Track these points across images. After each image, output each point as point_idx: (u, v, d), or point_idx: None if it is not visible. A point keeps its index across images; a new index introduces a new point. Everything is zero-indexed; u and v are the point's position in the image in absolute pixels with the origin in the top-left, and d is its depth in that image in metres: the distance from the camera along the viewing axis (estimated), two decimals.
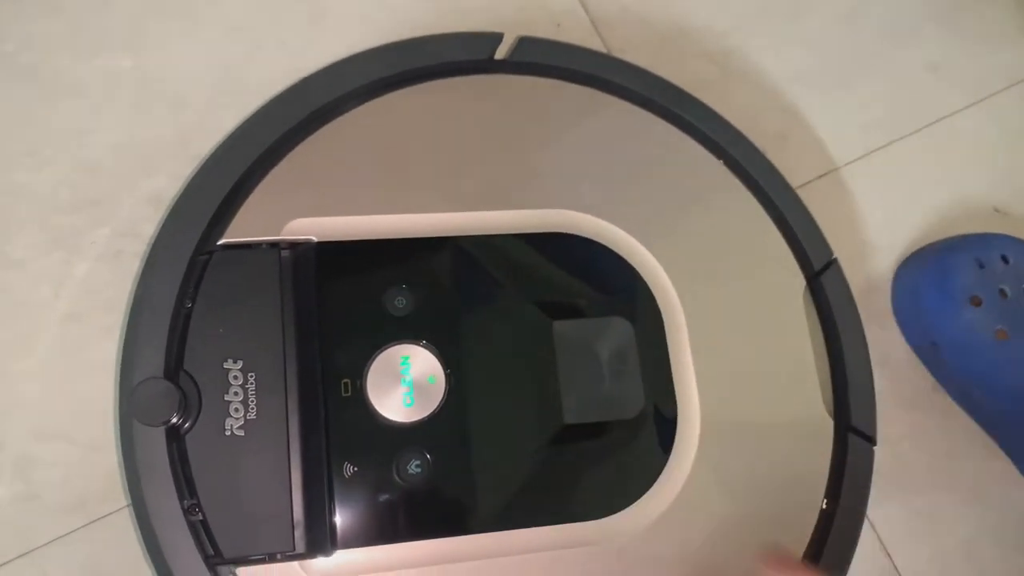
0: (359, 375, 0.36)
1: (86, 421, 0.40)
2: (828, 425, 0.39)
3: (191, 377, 0.34)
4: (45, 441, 0.42)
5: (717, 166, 0.42)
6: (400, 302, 0.37)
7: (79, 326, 0.41)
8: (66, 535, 0.41)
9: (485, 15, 0.50)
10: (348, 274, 0.37)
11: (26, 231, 0.43)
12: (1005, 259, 0.47)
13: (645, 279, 0.40)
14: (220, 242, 0.36)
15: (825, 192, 0.54)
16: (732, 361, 0.39)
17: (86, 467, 0.40)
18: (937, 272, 0.47)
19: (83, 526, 0.41)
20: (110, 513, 0.40)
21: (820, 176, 0.54)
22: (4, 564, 0.40)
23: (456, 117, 0.40)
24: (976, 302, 0.45)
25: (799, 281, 0.41)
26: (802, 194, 0.47)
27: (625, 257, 0.40)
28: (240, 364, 0.35)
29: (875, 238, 0.54)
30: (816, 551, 0.38)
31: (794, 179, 0.53)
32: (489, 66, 0.41)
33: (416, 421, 0.36)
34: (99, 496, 0.40)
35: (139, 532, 0.34)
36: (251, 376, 0.35)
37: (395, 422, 0.36)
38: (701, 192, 0.41)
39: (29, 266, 0.42)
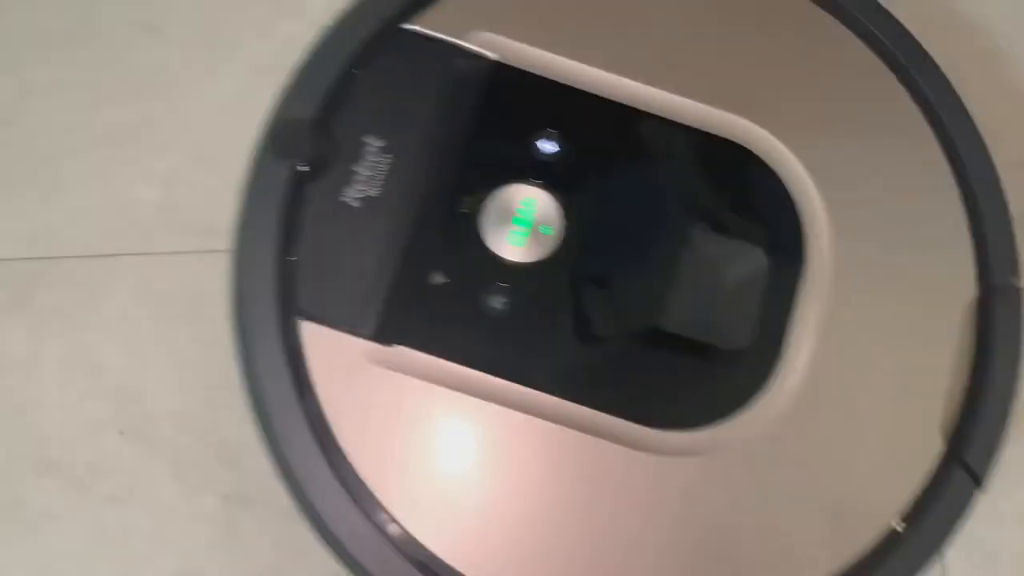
0: (482, 198, 0.36)
1: (236, 157, 0.42)
2: (935, 449, 0.36)
3: (333, 136, 0.35)
4: (198, 166, 0.45)
5: (937, 151, 0.38)
6: (547, 148, 0.36)
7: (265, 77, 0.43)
8: (186, 253, 0.44)
9: None
10: (511, 102, 0.37)
11: None
12: None
13: (804, 224, 0.37)
14: (406, 26, 0.37)
15: None
16: (857, 344, 0.36)
17: (224, 199, 0.42)
18: None
19: (202, 251, 0.43)
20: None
21: None
22: (122, 255, 0.44)
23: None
24: None
25: (969, 290, 0.37)
26: None
27: (792, 193, 0.37)
28: (381, 143, 0.35)
29: None
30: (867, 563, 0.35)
31: None
32: None
33: (518, 262, 0.35)
34: (227, 228, 0.42)
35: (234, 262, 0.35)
36: (387, 158, 0.35)
37: (496, 255, 0.35)
38: (899, 159, 0.38)
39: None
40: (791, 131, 0.37)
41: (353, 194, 0.35)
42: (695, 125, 0.37)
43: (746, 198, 0.37)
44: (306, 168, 0.35)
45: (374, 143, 0.35)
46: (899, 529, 0.35)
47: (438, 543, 0.33)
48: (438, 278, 0.35)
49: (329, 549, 0.33)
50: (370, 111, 0.36)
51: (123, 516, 0.42)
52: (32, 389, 0.43)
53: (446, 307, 0.35)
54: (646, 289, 0.36)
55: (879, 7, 0.40)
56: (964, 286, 0.37)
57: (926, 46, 0.40)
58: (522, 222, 0.36)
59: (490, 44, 0.37)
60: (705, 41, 0.38)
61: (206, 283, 0.42)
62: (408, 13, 0.37)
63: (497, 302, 0.35)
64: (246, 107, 0.36)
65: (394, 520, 0.33)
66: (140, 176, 0.45)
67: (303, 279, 0.34)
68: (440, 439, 0.34)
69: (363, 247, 0.35)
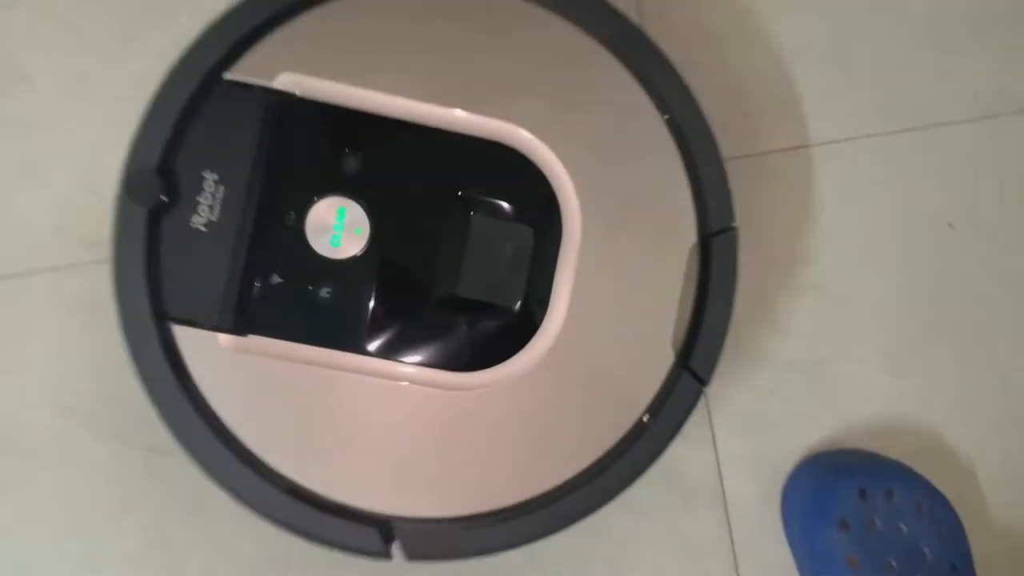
0: (302, 211, 0.46)
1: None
2: (669, 360, 0.47)
3: (175, 176, 0.45)
4: (84, 191, 0.54)
5: (659, 118, 0.48)
6: (351, 163, 0.46)
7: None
8: (78, 265, 0.53)
9: None
10: (315, 129, 0.46)
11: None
12: (889, 493, 0.53)
13: (561, 202, 0.47)
14: (226, 76, 0.45)
15: (787, 165, 0.60)
16: (608, 284, 0.47)
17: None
18: (821, 489, 0.54)
19: (90, 262, 0.53)
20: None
21: (791, 148, 0.60)
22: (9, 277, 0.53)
23: (444, 19, 0.47)
24: (844, 526, 0.52)
25: (693, 235, 0.48)
26: (767, 160, 0.54)
27: (550, 179, 0.47)
28: (215, 176, 0.45)
29: (824, 223, 0.59)
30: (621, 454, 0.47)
31: (761, 144, 0.59)
32: None
33: (338, 259, 0.46)
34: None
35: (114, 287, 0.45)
36: (220, 187, 0.45)
37: (321, 255, 0.46)
38: (635, 139, 0.48)
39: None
40: (549, 131, 0.47)
41: (199, 220, 0.45)
42: (475, 134, 0.47)
43: (514, 185, 0.47)
44: (157, 206, 0.44)
45: (210, 177, 0.45)
46: (645, 420, 0.47)
47: (298, 472, 0.45)
48: (276, 278, 0.45)
49: (221, 489, 0.45)
50: (203, 151, 0.45)
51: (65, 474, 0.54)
52: None
53: (285, 300, 0.45)
54: (442, 266, 0.47)
55: (607, 7, 0.49)
56: (689, 232, 0.48)
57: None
58: (337, 227, 0.46)
59: (293, 83, 0.46)
60: (470, 62, 0.47)
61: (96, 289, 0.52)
62: (226, 64, 0.46)
63: (325, 291, 0.46)
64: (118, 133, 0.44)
65: (261, 461, 0.45)
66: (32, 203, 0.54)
67: (170, 293, 0.44)
68: (293, 401, 0.45)
69: (213, 261, 0.45)
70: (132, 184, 0.44)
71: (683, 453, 0.57)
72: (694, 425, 0.56)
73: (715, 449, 0.58)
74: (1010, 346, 0.60)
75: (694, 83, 0.49)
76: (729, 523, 0.57)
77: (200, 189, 0.45)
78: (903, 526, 0.53)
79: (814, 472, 0.56)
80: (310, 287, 0.46)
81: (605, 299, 0.47)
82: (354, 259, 0.46)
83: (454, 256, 0.47)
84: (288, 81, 0.46)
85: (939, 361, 0.60)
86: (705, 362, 0.48)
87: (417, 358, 0.46)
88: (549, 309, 0.47)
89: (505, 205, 0.47)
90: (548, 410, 0.47)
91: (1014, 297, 0.60)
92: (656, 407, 0.47)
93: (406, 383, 0.46)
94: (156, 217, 0.44)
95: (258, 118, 0.45)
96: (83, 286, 0.53)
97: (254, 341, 0.45)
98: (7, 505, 0.53)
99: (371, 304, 0.46)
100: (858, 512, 0.52)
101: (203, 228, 0.45)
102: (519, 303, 0.47)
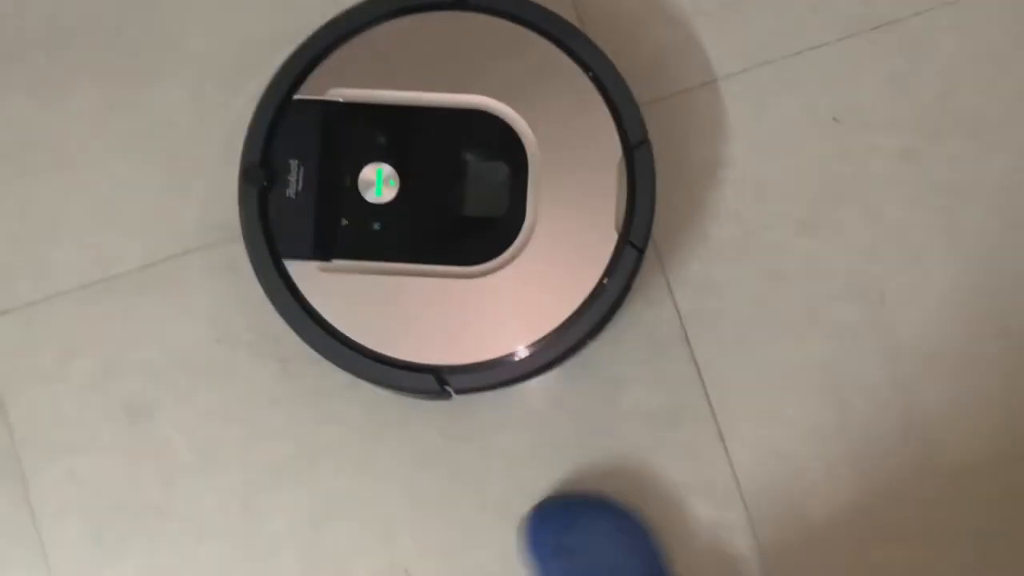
0: (355, 175, 0.70)
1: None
2: (614, 238, 0.70)
3: (272, 166, 0.69)
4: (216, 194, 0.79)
5: (581, 75, 0.71)
6: (381, 139, 0.70)
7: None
8: (216, 243, 0.78)
9: None
10: (357, 121, 0.70)
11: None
12: (589, 526, 0.72)
13: (524, 143, 0.70)
14: (296, 96, 0.70)
15: (701, 98, 0.81)
16: (562, 193, 0.69)
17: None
18: (539, 525, 0.73)
19: (223, 240, 0.78)
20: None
21: (701, 85, 0.81)
22: (158, 262, 0.79)
23: (436, 37, 0.71)
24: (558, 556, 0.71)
25: (618, 150, 0.70)
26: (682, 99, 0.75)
27: (514, 128, 0.70)
28: (296, 162, 0.69)
29: (736, 134, 0.80)
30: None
31: (673, 86, 0.80)
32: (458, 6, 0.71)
33: (380, 203, 0.70)
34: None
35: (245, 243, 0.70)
36: (301, 168, 0.69)
37: (369, 202, 0.70)
38: (568, 92, 0.70)
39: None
40: (513, 98, 0.70)
41: (291, 191, 0.69)
42: (461, 106, 0.70)
43: (492, 138, 0.70)
44: (264, 184, 0.69)
45: (293, 163, 0.69)
46: (605, 282, 0.70)
47: (376, 343, 0.69)
48: (343, 221, 0.69)
49: (330, 362, 0.69)
50: (288, 147, 0.69)
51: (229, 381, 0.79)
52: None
53: (351, 235, 0.69)
54: (450, 196, 0.70)
55: (550, 12, 0.71)
56: (615, 149, 0.70)
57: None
58: (378, 182, 0.70)
59: (339, 93, 0.70)
60: (455, 60, 0.71)
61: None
62: (294, 89, 0.70)
63: (376, 225, 0.69)
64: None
65: (351, 339, 0.69)
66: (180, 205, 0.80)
67: (279, 241, 0.69)
68: (367, 298, 0.69)
69: (303, 216, 0.69)
70: (246, 174, 0.68)
71: (650, 313, 0.79)
72: (656, 290, 0.78)
73: (676, 307, 0.79)
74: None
75: (612, 51, 0.71)
76: (695, 359, 0.79)
77: (288, 171, 0.69)
78: (604, 550, 0.71)
79: (540, 516, 0.74)
80: (367, 223, 0.70)
81: (562, 203, 0.70)
82: (391, 202, 0.70)
83: (457, 190, 0.70)
84: (334, 93, 0.70)
85: (842, 222, 0.80)
86: (639, 235, 0.70)
87: (441, 259, 0.69)
88: (525, 214, 0.70)
89: (487, 152, 0.71)
90: (536, 281, 0.69)
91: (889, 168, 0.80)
92: (610, 271, 0.69)
93: (441, 277, 0.69)
94: (263, 194, 0.69)
95: (319, 120, 0.69)
96: (222, 254, 0.78)
97: (336, 264, 0.69)
98: (196, 399, 0.79)
99: (409, 226, 0.70)
100: (565, 545, 0.71)
101: (293, 196, 0.69)
102: (503, 213, 0.70)
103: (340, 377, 0.70)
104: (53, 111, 0.80)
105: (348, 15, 0.71)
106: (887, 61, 0.81)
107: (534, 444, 0.78)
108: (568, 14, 0.76)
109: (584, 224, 0.70)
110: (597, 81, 0.71)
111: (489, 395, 0.71)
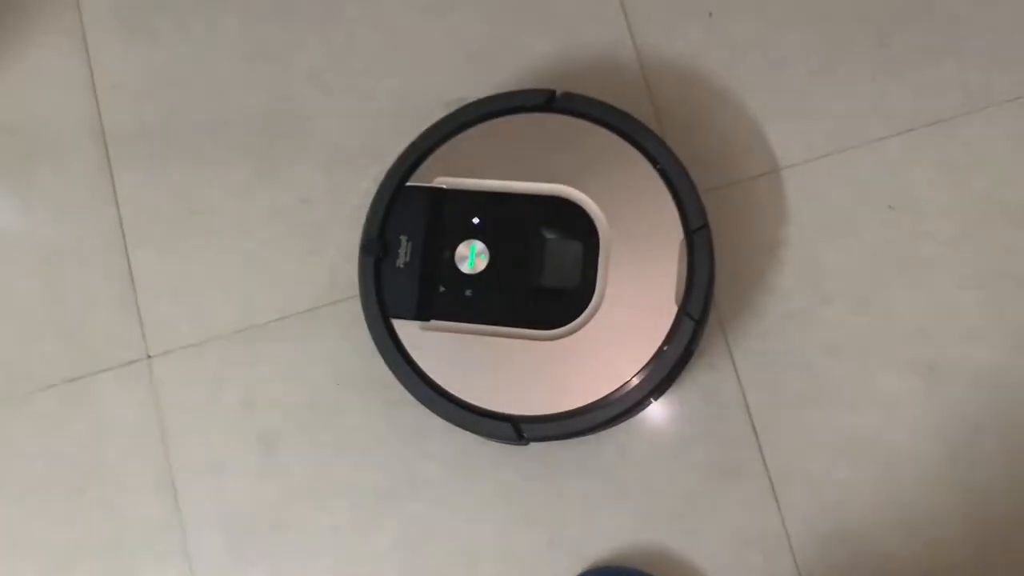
0: (453, 249, 0.83)
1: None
2: (674, 309, 0.80)
3: (386, 240, 0.83)
4: (341, 259, 0.94)
5: (649, 167, 0.82)
6: (476, 220, 0.83)
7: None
8: (341, 299, 0.93)
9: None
10: (456, 204, 0.83)
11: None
12: None
13: (597, 226, 0.81)
14: (408, 183, 0.84)
15: (765, 187, 0.90)
16: (629, 270, 0.80)
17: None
18: None
19: (347, 298, 0.92)
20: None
21: (763, 174, 0.91)
22: (294, 315, 0.93)
23: (525, 134, 0.84)
24: None
25: (679, 233, 0.80)
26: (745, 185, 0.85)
27: (590, 214, 0.81)
28: (406, 237, 0.83)
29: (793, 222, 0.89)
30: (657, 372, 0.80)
31: (738, 174, 0.90)
32: (545, 108, 0.84)
33: (472, 274, 0.82)
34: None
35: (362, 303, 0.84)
36: (409, 243, 0.83)
37: (463, 272, 0.82)
38: (638, 183, 0.81)
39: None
40: (589, 187, 0.81)
41: (400, 261, 0.83)
42: (543, 193, 0.82)
43: (570, 220, 0.82)
44: (379, 255, 0.83)
45: (403, 238, 0.83)
46: (665, 349, 0.80)
47: (465, 394, 0.81)
48: (442, 288, 0.82)
49: (425, 407, 0.82)
50: (400, 224, 0.83)
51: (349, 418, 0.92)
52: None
53: (448, 300, 0.82)
54: (532, 269, 0.82)
55: (624, 113, 0.83)
56: (677, 232, 0.80)
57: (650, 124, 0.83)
58: (471, 256, 0.82)
59: (443, 181, 0.83)
60: (544, 153, 0.83)
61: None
62: (407, 176, 0.84)
63: (468, 292, 0.82)
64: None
65: (445, 389, 0.81)
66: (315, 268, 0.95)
67: (389, 302, 0.83)
68: (459, 355, 0.82)
69: (408, 282, 0.82)
70: (365, 246, 0.83)
71: (713, 378, 0.88)
72: (719, 358, 0.88)
73: (736, 374, 0.88)
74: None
75: (682, 140, 0.83)
76: (752, 422, 0.87)
77: (399, 245, 0.83)
78: None
79: None
80: (460, 290, 0.82)
81: (628, 279, 0.80)
82: (482, 273, 0.82)
83: (538, 264, 0.82)
84: (440, 181, 0.83)
85: (895, 301, 0.87)
86: (696, 308, 0.79)
87: (522, 323, 0.81)
88: (595, 287, 0.81)
89: (565, 232, 0.82)
90: (604, 346, 0.80)
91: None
92: (669, 339, 0.80)
93: (520, 339, 0.81)
94: (378, 263, 0.83)
95: (426, 203, 0.83)
96: (346, 311, 0.93)
97: (433, 324, 0.82)
98: (317, 433, 0.93)
99: (496, 294, 0.82)
100: None
101: (402, 266, 0.83)
102: (577, 285, 0.81)
103: (437, 421, 0.83)
104: (212, 184, 0.97)
105: (454, 115, 0.85)
106: (940, 154, 0.88)
107: (605, 491, 0.88)
108: (644, 105, 0.88)
109: (647, 297, 0.80)
110: (663, 173, 0.82)
111: (567, 446, 0.82)
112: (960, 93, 0.90)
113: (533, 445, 0.82)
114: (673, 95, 0.93)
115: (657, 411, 0.85)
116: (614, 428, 0.82)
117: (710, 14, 0.95)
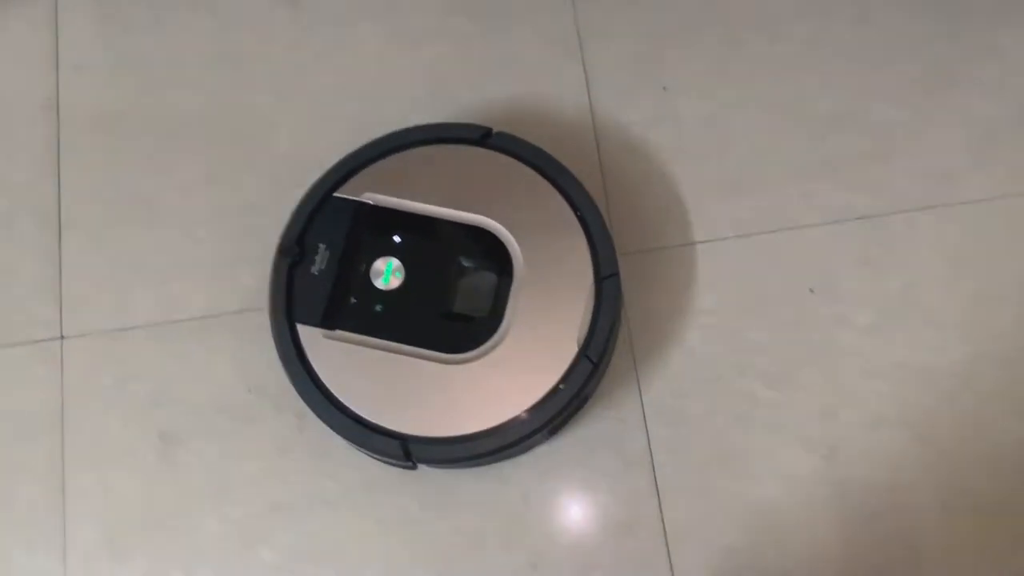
0: (369, 264, 0.83)
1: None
2: (574, 350, 0.80)
3: (304, 246, 0.84)
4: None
5: (571, 213, 0.83)
6: (398, 239, 0.84)
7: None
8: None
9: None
10: (380, 220, 0.84)
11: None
12: None
13: (513, 260, 0.82)
14: (335, 194, 0.85)
15: (688, 255, 0.92)
16: (538, 305, 0.81)
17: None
18: None
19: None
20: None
21: (688, 244, 0.92)
22: (216, 315, 0.94)
23: (458, 165, 0.86)
24: None
25: (590, 278, 0.81)
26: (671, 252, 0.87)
27: (507, 247, 0.82)
28: (324, 245, 0.84)
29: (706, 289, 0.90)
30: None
31: (665, 240, 0.91)
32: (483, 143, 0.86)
33: (386, 290, 0.83)
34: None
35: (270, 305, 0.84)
36: (327, 252, 0.83)
37: (377, 288, 0.83)
38: (558, 225, 0.83)
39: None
40: (510, 222, 0.82)
41: (315, 268, 0.83)
42: (465, 222, 0.83)
43: (488, 252, 0.83)
44: (295, 259, 0.83)
45: (322, 246, 0.84)
46: (561, 387, 0.79)
47: (359, 407, 0.80)
48: (352, 299, 0.83)
49: (319, 416, 0.81)
50: (320, 233, 0.84)
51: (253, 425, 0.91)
52: None
53: (357, 312, 0.83)
54: (445, 293, 0.83)
55: (553, 158, 0.85)
56: (588, 276, 0.81)
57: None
58: (387, 272, 0.83)
59: (371, 197, 0.85)
60: (473, 185, 0.85)
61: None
62: (335, 188, 0.86)
63: (378, 307, 0.83)
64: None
65: (339, 400, 0.81)
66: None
67: (298, 305, 0.83)
68: (360, 368, 0.81)
69: (320, 289, 0.83)
70: (283, 248, 0.83)
71: (623, 431, 0.88)
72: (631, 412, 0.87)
73: (647, 430, 0.88)
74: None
75: (619, 201, 0.84)
76: (656, 479, 0.86)
77: (316, 252, 0.84)
78: None
79: None
80: (370, 304, 0.83)
81: (536, 315, 0.81)
82: (395, 290, 0.83)
83: (451, 289, 0.83)
84: (368, 196, 0.85)
85: (806, 381, 0.87)
86: (596, 351, 0.80)
87: (426, 344, 0.81)
88: (503, 319, 0.81)
89: (481, 259, 0.83)
90: (502, 377, 0.80)
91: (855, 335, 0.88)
92: (566, 378, 0.80)
93: (422, 359, 0.81)
94: (293, 267, 0.84)
95: (350, 216, 0.84)
96: (265, 317, 0.93)
97: (339, 334, 0.82)
98: (223, 444, 0.91)
99: (406, 314, 0.83)
100: None
101: (316, 273, 0.83)
102: (486, 314, 0.82)
103: (342, 440, 0.82)
104: (158, 177, 0.98)
105: (392, 136, 0.87)
106: (864, 248, 0.90)
107: (499, 531, 0.87)
108: (591, 160, 0.91)
109: (551, 336, 0.80)
110: (583, 220, 0.83)
111: (469, 483, 0.81)
112: (888, 194, 0.92)
113: (434, 476, 0.82)
114: (619, 156, 0.95)
115: (563, 456, 0.85)
116: (518, 468, 0.82)
117: (664, 88, 0.97)
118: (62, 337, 0.95)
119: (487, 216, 0.83)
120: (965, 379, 0.86)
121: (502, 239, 0.83)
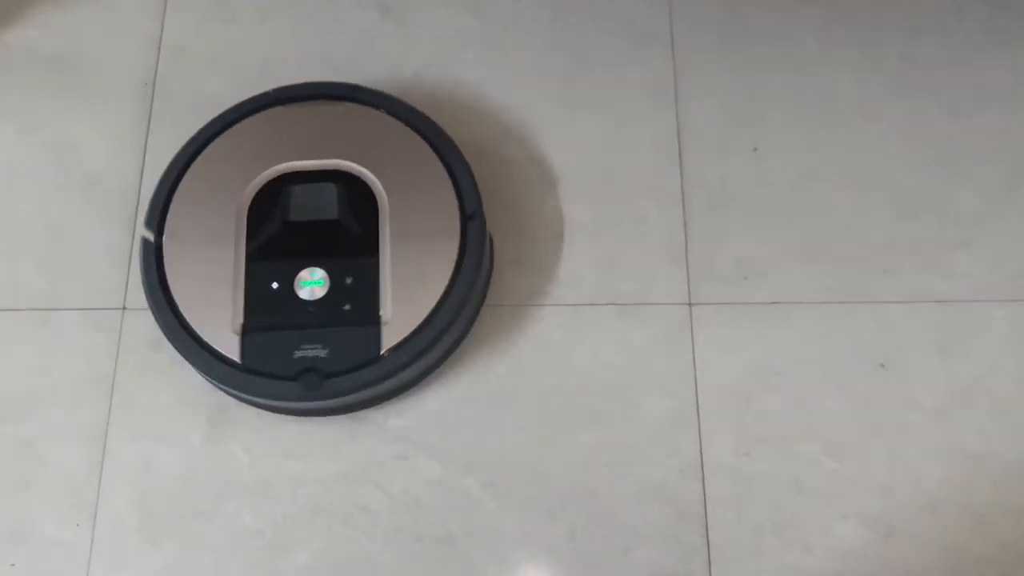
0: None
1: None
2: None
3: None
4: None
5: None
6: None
7: None
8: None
9: None
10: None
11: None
12: None
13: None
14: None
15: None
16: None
17: None
18: None
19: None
20: None
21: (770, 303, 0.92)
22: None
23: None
24: None
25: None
26: None
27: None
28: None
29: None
30: None
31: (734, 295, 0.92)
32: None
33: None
34: None
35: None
36: None
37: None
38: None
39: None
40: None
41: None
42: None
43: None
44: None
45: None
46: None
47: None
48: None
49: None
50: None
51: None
52: None
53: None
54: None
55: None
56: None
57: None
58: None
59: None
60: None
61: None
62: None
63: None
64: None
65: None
66: None
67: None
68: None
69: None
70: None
71: (681, 487, 0.87)
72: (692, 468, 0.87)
73: (703, 487, 0.87)
74: None
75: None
76: (708, 538, 0.85)
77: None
78: None
79: None
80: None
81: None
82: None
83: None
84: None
85: (869, 455, 0.87)
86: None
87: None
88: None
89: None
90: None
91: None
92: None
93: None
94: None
95: None
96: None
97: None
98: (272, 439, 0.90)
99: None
100: None
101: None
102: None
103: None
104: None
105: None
106: (938, 330, 0.91)
107: None
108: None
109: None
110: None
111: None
112: (967, 283, 0.93)
113: None
114: (702, 210, 0.96)
115: (617, 502, 0.84)
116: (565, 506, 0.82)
117: (755, 149, 0.99)
118: (124, 308, 0.93)
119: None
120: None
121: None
